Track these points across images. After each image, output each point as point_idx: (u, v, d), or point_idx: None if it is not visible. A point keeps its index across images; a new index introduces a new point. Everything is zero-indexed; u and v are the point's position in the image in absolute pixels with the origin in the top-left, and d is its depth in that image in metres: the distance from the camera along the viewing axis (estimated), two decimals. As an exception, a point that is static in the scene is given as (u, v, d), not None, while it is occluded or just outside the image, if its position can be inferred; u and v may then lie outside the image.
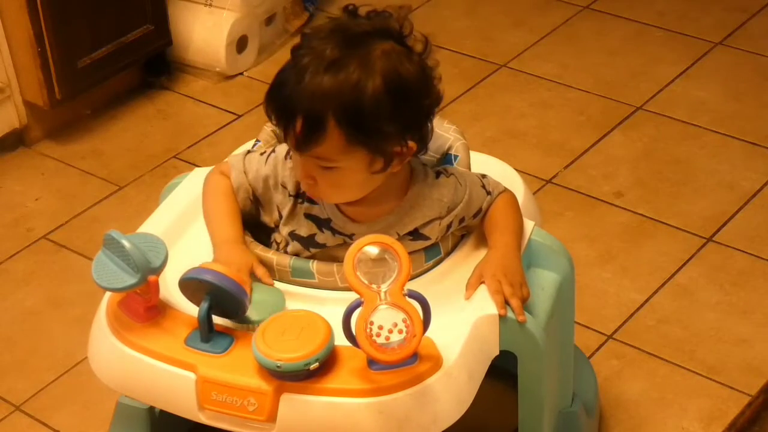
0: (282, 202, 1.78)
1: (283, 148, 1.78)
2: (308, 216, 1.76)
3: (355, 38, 1.65)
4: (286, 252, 1.79)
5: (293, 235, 1.77)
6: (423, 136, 1.71)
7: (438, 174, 1.78)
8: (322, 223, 1.76)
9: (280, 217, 1.79)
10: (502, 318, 1.68)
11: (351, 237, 1.75)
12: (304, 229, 1.76)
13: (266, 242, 1.81)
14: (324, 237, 1.76)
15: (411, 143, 1.67)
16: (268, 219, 1.81)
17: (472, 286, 1.72)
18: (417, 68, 1.66)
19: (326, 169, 1.66)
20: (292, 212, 1.77)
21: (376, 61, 1.63)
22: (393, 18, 1.69)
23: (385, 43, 1.65)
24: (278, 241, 1.81)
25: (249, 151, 1.84)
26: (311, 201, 1.76)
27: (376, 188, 1.72)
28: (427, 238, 1.76)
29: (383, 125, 1.63)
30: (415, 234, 1.75)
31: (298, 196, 1.77)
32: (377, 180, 1.70)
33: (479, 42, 3.35)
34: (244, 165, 1.80)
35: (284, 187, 1.77)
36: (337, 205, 1.75)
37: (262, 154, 1.81)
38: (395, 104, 1.63)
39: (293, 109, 1.63)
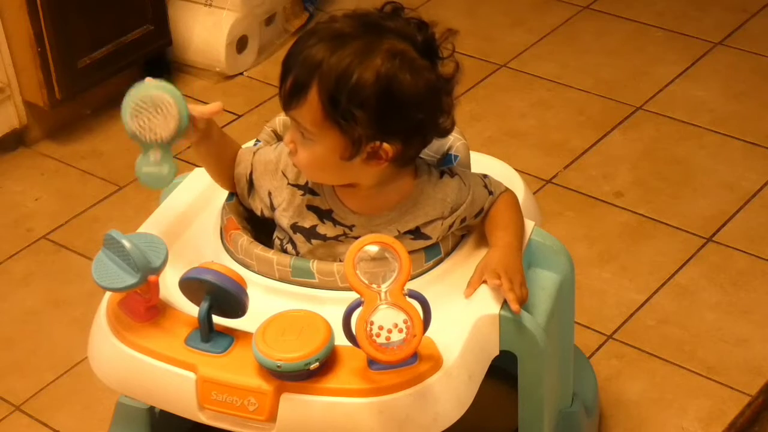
0: (277, 188, 1.79)
1: None
2: (310, 207, 1.77)
3: (374, 27, 1.66)
4: (287, 250, 1.80)
5: (296, 227, 1.78)
6: (405, 147, 1.69)
7: (442, 174, 1.78)
8: (324, 214, 1.76)
9: (271, 205, 1.79)
10: (503, 318, 1.68)
11: (351, 228, 1.75)
12: (307, 221, 1.77)
13: (267, 243, 1.81)
14: (325, 228, 1.76)
15: (386, 146, 1.67)
16: (254, 205, 1.82)
17: (473, 284, 1.72)
18: (421, 82, 1.65)
19: (305, 139, 1.68)
20: (292, 202, 1.78)
21: (378, 54, 1.63)
22: (431, 32, 1.69)
23: (400, 43, 1.65)
24: (281, 237, 1.81)
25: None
26: (312, 192, 1.77)
27: (378, 182, 1.72)
28: (428, 237, 1.76)
29: (357, 111, 1.63)
30: (417, 233, 1.75)
31: (299, 187, 1.77)
32: (356, 172, 1.70)
33: (479, 42, 3.35)
34: (255, 148, 1.84)
35: (285, 175, 1.78)
36: (338, 196, 1.76)
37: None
38: (378, 100, 1.63)
39: (289, 67, 1.67)
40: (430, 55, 1.69)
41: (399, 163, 1.71)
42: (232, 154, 1.83)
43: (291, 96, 1.67)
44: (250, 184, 1.81)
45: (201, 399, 1.63)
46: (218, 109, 1.75)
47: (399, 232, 1.74)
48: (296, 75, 1.65)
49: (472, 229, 1.82)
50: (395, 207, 1.75)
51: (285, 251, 1.80)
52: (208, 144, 1.78)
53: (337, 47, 1.64)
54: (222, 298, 1.63)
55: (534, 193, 2.14)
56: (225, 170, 1.82)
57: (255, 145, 1.90)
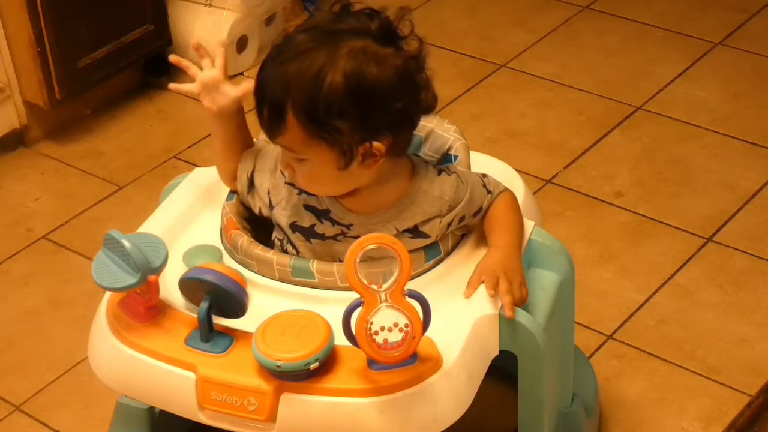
0: (276, 186, 1.79)
1: None
2: (307, 207, 1.77)
3: (330, 34, 1.66)
4: (287, 251, 1.80)
5: (295, 226, 1.78)
6: (395, 140, 1.69)
7: (440, 171, 1.78)
8: (321, 214, 1.76)
9: (270, 204, 1.79)
10: (502, 318, 1.68)
11: (349, 227, 1.75)
12: (306, 220, 1.77)
13: (267, 243, 1.82)
14: (323, 227, 1.76)
15: (377, 144, 1.67)
16: (253, 203, 1.83)
17: (472, 285, 1.72)
18: (389, 71, 1.64)
19: (298, 160, 1.68)
20: (290, 201, 1.78)
21: (340, 58, 1.63)
22: (384, 17, 1.68)
23: (358, 41, 1.65)
24: (280, 238, 1.81)
25: None
26: (308, 192, 1.77)
27: (374, 181, 1.72)
28: (427, 236, 1.76)
29: (338, 122, 1.63)
30: (415, 232, 1.75)
31: (295, 186, 1.77)
32: (357, 176, 1.70)
33: (479, 42, 3.35)
34: (263, 146, 1.84)
35: (282, 173, 1.79)
36: (334, 196, 1.76)
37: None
38: (355, 103, 1.63)
39: (261, 96, 1.68)
40: (391, 39, 1.68)
41: (395, 153, 1.71)
42: (243, 142, 1.84)
43: (271, 124, 1.67)
44: (251, 182, 1.82)
45: (201, 399, 1.63)
46: (249, 89, 1.76)
47: (397, 230, 1.74)
48: (269, 102, 1.66)
49: (471, 229, 1.82)
50: (393, 205, 1.75)
51: (285, 251, 1.80)
52: (230, 120, 1.83)
53: (302, 61, 1.63)
54: (222, 298, 1.63)
55: (534, 193, 2.14)
56: (232, 156, 1.83)
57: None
